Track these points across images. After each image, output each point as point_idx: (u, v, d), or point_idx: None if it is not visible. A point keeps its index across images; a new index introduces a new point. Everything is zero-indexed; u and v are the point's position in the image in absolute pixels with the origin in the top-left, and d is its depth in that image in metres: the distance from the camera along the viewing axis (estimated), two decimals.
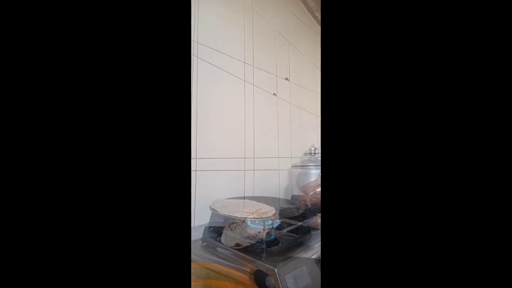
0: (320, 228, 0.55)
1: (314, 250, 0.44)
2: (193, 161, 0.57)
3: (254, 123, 0.78)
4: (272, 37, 0.94)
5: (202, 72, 0.61)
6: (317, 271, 0.33)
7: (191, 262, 0.40)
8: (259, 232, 0.40)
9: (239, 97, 0.74)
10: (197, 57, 0.60)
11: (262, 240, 0.40)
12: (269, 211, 0.46)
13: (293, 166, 0.92)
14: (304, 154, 1.04)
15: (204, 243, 0.47)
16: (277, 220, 0.44)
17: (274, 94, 0.91)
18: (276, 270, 0.28)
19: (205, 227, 0.49)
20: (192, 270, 0.39)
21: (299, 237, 0.47)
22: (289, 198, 0.85)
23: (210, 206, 0.49)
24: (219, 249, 0.44)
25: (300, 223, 0.51)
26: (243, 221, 0.42)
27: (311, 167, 0.86)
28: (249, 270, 0.31)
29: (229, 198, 0.61)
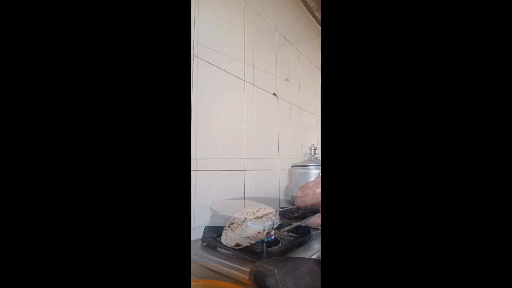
0: (320, 228, 0.55)
1: (314, 251, 0.44)
2: (193, 161, 0.57)
3: (254, 123, 0.78)
4: (272, 37, 0.94)
5: (202, 72, 0.61)
6: (317, 272, 0.33)
7: (191, 262, 0.40)
8: (259, 232, 0.40)
9: (239, 97, 0.74)
10: (197, 57, 0.60)
11: (262, 240, 0.40)
12: (270, 211, 0.46)
13: (293, 166, 0.92)
14: (304, 154, 1.04)
15: (204, 243, 0.47)
16: (277, 221, 0.44)
17: (274, 94, 0.91)
18: (276, 270, 0.28)
19: (205, 227, 0.49)
20: (192, 270, 0.39)
21: (299, 237, 0.47)
22: (289, 198, 0.85)
23: (210, 206, 0.50)
24: (219, 249, 0.44)
25: (300, 223, 0.51)
26: (243, 221, 0.42)
27: (311, 167, 0.87)
28: (249, 270, 0.31)
29: (229, 199, 0.61)
